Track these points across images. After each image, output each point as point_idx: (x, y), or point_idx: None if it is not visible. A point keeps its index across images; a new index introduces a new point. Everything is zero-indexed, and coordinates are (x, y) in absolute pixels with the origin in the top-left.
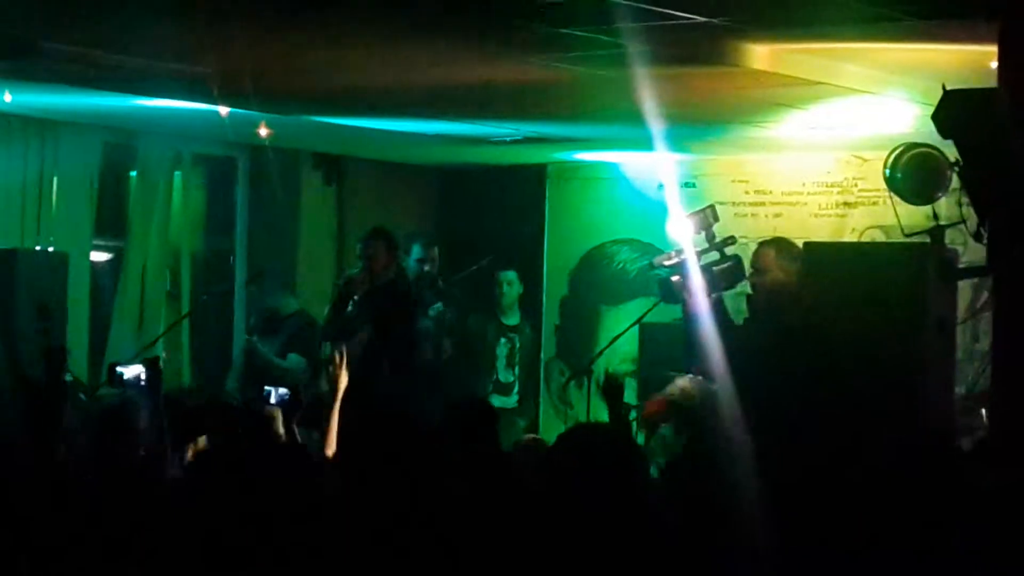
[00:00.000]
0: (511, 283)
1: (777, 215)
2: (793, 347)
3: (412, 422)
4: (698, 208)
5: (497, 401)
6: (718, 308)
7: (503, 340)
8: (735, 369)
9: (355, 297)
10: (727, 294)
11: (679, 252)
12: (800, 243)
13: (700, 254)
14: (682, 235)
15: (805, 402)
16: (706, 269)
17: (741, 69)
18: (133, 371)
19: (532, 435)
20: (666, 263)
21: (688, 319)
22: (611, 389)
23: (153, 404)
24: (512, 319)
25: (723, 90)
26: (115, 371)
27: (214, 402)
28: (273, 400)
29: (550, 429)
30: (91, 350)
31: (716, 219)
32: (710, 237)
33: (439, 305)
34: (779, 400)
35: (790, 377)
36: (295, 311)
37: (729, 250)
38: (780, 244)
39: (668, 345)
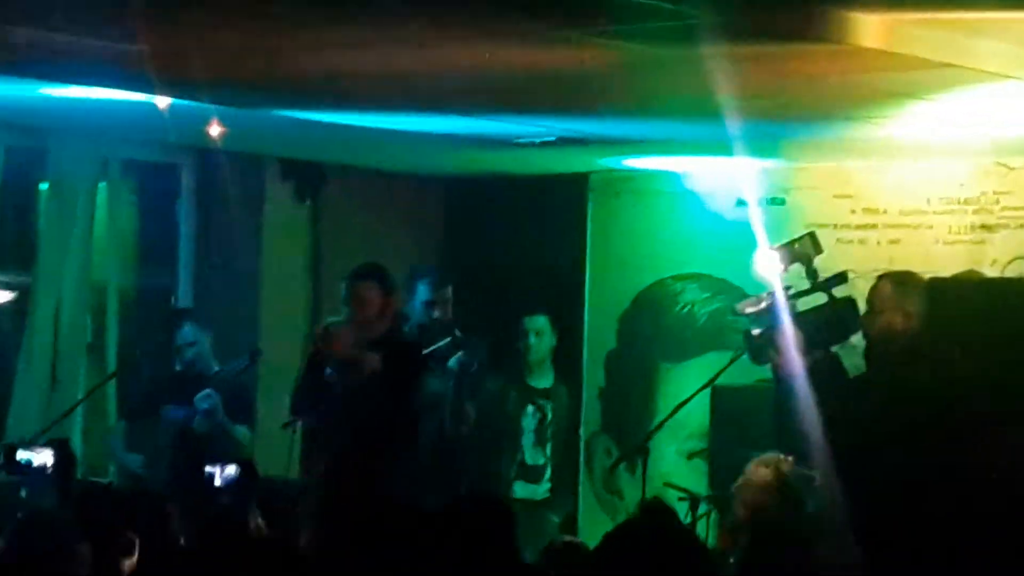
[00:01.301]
0: (540, 332)
1: (893, 241)
2: (916, 412)
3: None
4: (793, 235)
5: (523, 490)
6: (828, 368)
7: (530, 408)
8: (840, 446)
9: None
10: (839, 349)
11: (771, 295)
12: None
13: (798, 296)
14: (771, 271)
15: (934, 487)
16: (806, 317)
17: (846, 47)
18: (39, 456)
19: (568, 537)
20: (750, 310)
21: (780, 384)
22: (656, 518)
23: (62, 499)
24: (542, 380)
25: (822, 75)
26: (14, 455)
27: (143, 494)
28: (219, 482)
29: (593, 528)
30: None
31: (818, 250)
32: (811, 274)
33: (460, 355)
34: (902, 487)
35: (914, 452)
36: (218, 369)
37: (840, 291)
38: (901, 279)
39: (750, 416)
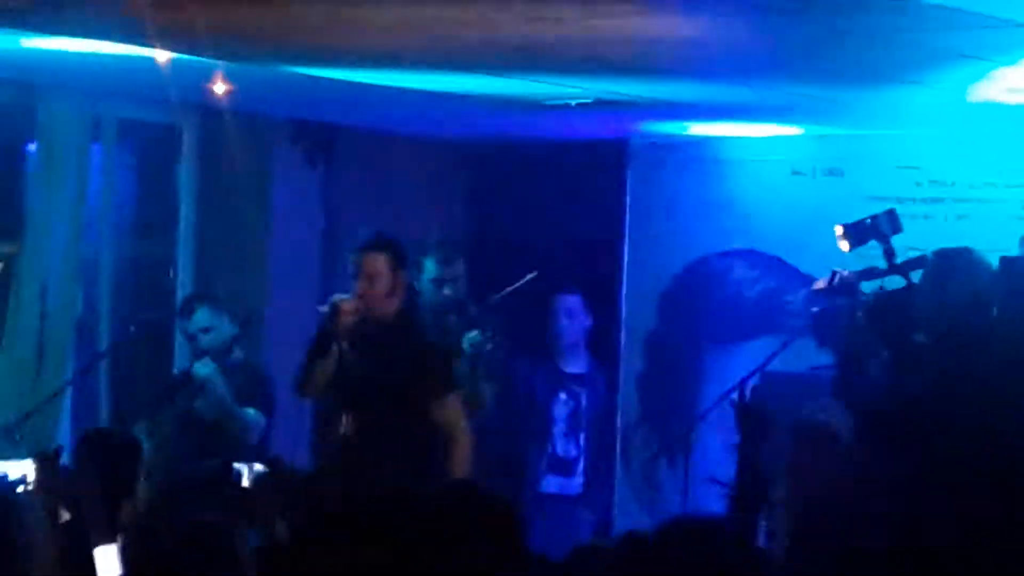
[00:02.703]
0: (573, 313)
1: (961, 216)
2: (966, 396)
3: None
4: (852, 210)
5: (554, 484)
6: (906, 362)
7: (562, 395)
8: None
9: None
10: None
11: (838, 273)
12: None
13: (873, 278)
14: (843, 248)
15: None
16: (880, 301)
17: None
18: (16, 469)
19: (602, 537)
20: (817, 286)
21: (839, 370)
22: (748, 417)
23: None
24: (576, 365)
25: (886, 33)
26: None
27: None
28: (247, 482)
29: (629, 526)
30: None
31: (896, 229)
32: (888, 254)
33: (475, 335)
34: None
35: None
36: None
37: (918, 275)
38: (948, 255)
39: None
